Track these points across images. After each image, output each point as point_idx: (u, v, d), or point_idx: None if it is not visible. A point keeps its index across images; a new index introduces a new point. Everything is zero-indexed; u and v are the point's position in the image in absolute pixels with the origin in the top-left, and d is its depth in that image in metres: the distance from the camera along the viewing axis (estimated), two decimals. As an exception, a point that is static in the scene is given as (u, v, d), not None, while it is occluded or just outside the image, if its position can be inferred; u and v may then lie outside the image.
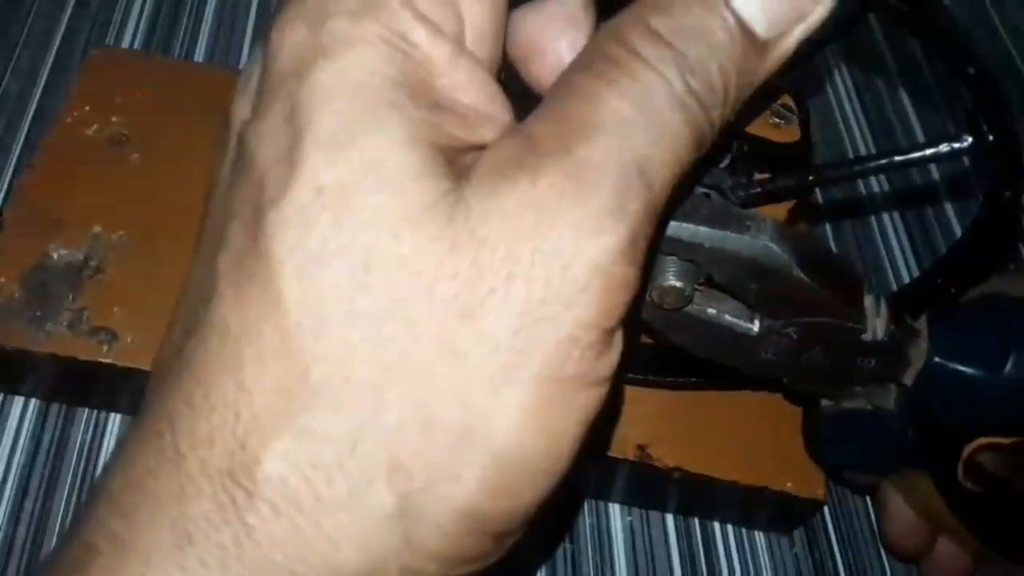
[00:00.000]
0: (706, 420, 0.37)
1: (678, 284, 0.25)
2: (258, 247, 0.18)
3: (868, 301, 0.29)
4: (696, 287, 0.26)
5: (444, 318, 0.17)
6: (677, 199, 0.20)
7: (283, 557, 0.17)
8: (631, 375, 0.36)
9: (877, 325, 0.29)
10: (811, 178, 0.28)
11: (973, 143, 0.26)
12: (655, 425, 0.37)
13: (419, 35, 0.19)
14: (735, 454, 0.37)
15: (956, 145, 0.26)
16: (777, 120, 0.29)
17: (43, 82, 0.47)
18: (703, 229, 0.25)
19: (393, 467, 0.17)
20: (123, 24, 0.50)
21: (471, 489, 0.18)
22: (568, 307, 0.17)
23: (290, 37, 0.19)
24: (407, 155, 0.18)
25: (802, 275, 0.26)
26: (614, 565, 0.39)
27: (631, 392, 0.37)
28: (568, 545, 0.39)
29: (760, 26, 0.19)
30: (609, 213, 0.18)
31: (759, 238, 0.25)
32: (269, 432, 0.17)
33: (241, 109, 0.20)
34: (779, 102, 0.29)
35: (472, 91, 0.20)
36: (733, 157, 0.28)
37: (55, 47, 0.48)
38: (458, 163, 0.19)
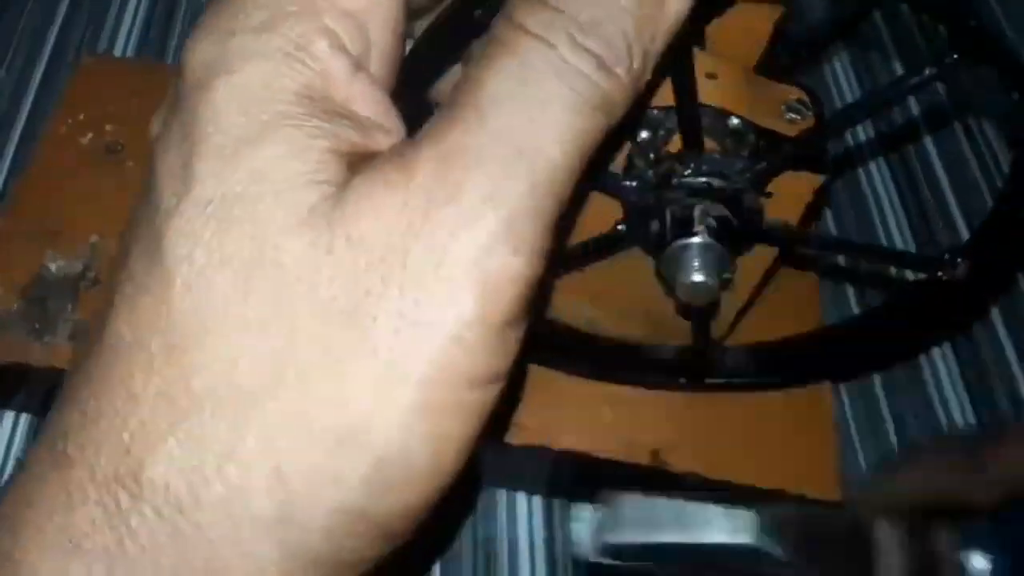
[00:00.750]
0: (720, 423, 0.37)
1: (702, 278, 0.25)
2: (152, 260, 0.18)
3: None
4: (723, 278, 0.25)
5: (324, 323, 0.17)
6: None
7: (166, 560, 0.17)
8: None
9: None
10: (816, 135, 0.27)
11: (956, 60, 0.24)
12: (669, 429, 0.36)
13: (320, 48, 0.19)
14: (750, 457, 0.36)
15: (945, 61, 0.25)
16: (793, 116, 0.29)
17: (35, 90, 0.46)
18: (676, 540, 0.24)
19: (273, 473, 0.17)
20: (115, 31, 0.49)
21: (353, 493, 0.18)
22: (446, 306, 0.17)
23: (198, 54, 0.19)
24: (293, 164, 0.18)
25: (798, 558, 0.25)
26: (624, 573, 0.38)
27: (644, 395, 0.36)
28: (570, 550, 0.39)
29: None
30: (482, 201, 0.17)
31: (737, 536, 0.24)
32: (154, 437, 0.17)
33: (155, 125, 0.21)
34: (794, 98, 0.29)
35: (367, 105, 0.20)
36: (750, 154, 0.28)
37: (46, 54, 0.47)
38: (359, 169, 0.19)
